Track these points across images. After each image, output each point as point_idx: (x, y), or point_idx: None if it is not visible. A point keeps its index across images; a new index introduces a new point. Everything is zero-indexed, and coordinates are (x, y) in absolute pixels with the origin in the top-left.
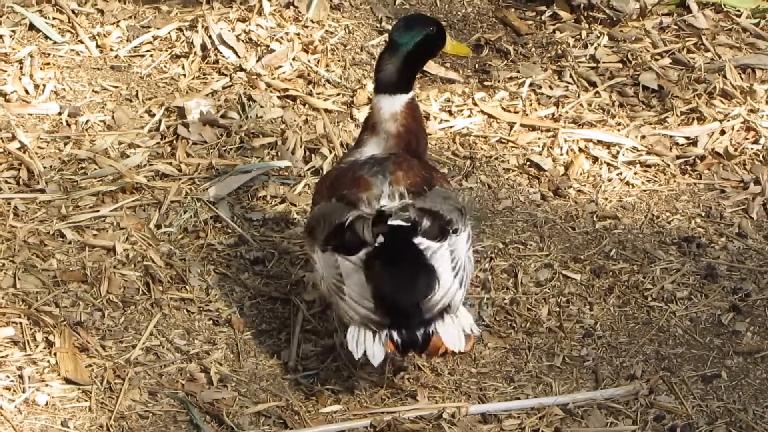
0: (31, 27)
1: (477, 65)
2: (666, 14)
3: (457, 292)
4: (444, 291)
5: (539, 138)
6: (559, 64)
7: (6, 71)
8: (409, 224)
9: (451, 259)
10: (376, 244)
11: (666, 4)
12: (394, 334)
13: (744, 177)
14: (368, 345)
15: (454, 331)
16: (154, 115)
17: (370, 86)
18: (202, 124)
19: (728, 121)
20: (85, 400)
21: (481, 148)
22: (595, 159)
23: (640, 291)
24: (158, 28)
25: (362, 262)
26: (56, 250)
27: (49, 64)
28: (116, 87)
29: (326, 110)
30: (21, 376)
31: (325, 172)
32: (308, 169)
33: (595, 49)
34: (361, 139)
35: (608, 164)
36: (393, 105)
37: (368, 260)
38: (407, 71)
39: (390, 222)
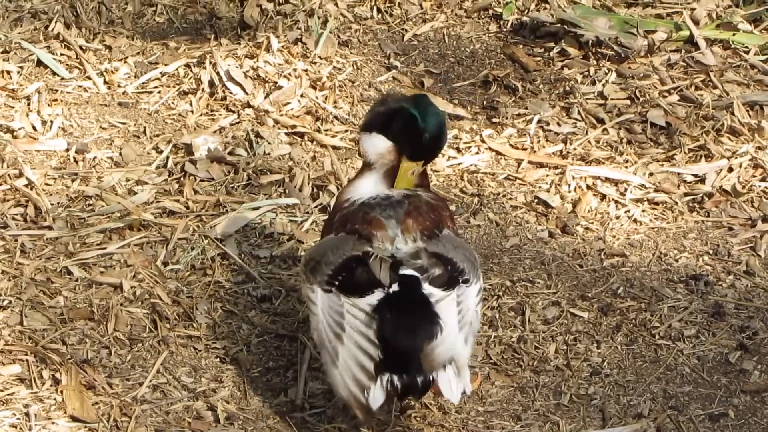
0: (39, 63)
1: (485, 102)
2: (674, 51)
3: (463, 348)
4: (448, 343)
5: (547, 175)
6: (567, 100)
7: (13, 107)
8: (419, 274)
9: (458, 311)
10: (391, 291)
11: (674, 41)
12: (395, 379)
13: (752, 214)
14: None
15: (453, 383)
16: (161, 152)
17: None
18: (209, 161)
19: (736, 158)
20: None
21: (489, 185)
22: (603, 196)
23: (647, 329)
24: (166, 65)
25: (372, 309)
26: (63, 287)
27: (56, 100)
28: (124, 123)
29: (334, 147)
30: (27, 414)
31: (331, 208)
32: (316, 206)
33: (603, 85)
34: (360, 173)
35: (616, 201)
36: (376, 145)
37: (379, 306)
38: (385, 122)
39: (401, 271)
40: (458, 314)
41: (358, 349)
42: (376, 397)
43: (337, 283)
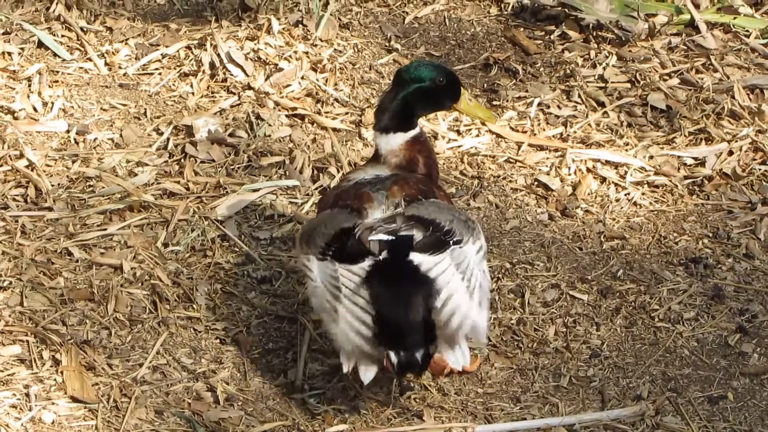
0: (40, 44)
1: (485, 84)
2: (675, 34)
3: (479, 314)
4: (457, 312)
5: (547, 158)
6: (567, 83)
7: (14, 89)
8: (395, 237)
9: (460, 276)
10: (380, 258)
11: (675, 24)
12: (392, 355)
13: (752, 198)
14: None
15: (457, 349)
16: (162, 134)
17: None
18: (210, 143)
19: (736, 141)
20: (92, 419)
21: (489, 168)
22: (603, 179)
23: (646, 312)
24: (167, 47)
25: (366, 273)
26: (63, 268)
27: (57, 81)
28: (124, 105)
29: (334, 129)
30: (27, 395)
31: (330, 189)
32: (316, 188)
33: (604, 69)
34: (368, 163)
35: (616, 184)
36: (389, 143)
37: (371, 273)
38: (404, 115)
39: (371, 237)
40: (463, 280)
41: (354, 306)
42: (368, 371)
43: (330, 252)
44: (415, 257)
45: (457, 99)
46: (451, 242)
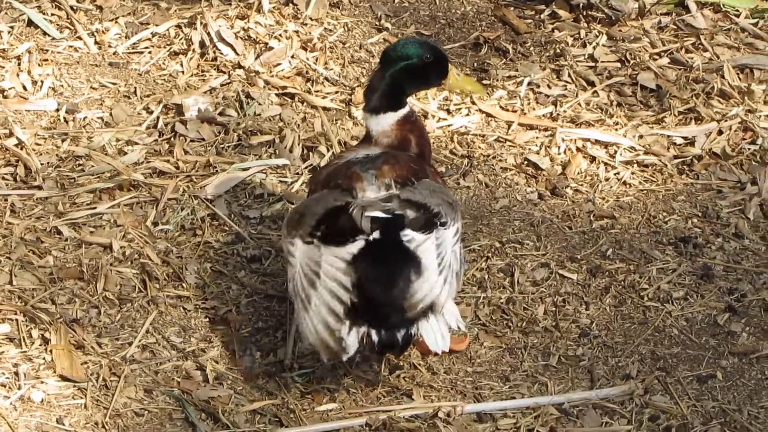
0: (30, 23)
1: (476, 64)
2: (665, 14)
3: (441, 290)
4: (427, 289)
5: (537, 137)
6: (557, 63)
7: (4, 67)
8: (391, 216)
9: (437, 254)
10: (371, 238)
11: (665, 4)
12: (373, 333)
13: (741, 177)
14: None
15: (437, 333)
16: (152, 112)
17: None
18: (200, 122)
19: (726, 121)
20: (81, 398)
21: (479, 147)
22: (593, 158)
23: (636, 291)
24: (157, 25)
25: (352, 256)
26: (53, 247)
27: (47, 60)
28: (114, 84)
29: (324, 108)
30: (17, 373)
31: (320, 168)
32: (306, 167)
33: (594, 48)
34: (359, 144)
35: (606, 164)
36: (380, 123)
37: (359, 253)
38: (393, 93)
39: (367, 213)
40: (437, 258)
41: (330, 295)
42: (350, 344)
43: (319, 234)
44: (408, 233)
45: (445, 75)
46: (438, 223)
